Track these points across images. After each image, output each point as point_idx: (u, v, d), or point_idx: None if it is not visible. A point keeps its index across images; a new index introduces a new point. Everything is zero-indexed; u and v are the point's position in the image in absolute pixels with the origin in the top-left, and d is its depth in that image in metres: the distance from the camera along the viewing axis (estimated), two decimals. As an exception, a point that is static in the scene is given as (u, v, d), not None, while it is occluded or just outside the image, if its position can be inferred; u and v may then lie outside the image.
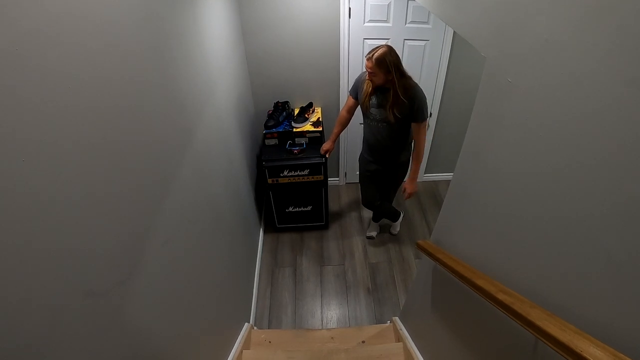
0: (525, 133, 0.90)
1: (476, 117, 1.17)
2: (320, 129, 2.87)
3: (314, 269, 2.93)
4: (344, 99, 3.00)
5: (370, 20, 2.71)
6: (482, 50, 1.05)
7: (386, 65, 2.01)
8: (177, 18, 1.32)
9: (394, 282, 2.81)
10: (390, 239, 3.16)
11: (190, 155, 1.40)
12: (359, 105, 2.40)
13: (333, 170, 3.55)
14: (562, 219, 0.79)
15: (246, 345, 2.13)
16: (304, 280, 2.84)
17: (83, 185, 0.74)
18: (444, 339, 1.57)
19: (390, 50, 2.02)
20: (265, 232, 3.24)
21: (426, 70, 2.94)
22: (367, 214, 3.33)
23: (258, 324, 2.55)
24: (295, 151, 2.77)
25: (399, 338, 2.15)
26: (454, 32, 2.67)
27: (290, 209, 3.06)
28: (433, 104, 3.12)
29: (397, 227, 3.16)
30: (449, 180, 1.44)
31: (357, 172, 2.93)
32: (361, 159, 2.69)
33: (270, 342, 2.27)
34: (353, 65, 2.89)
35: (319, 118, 2.96)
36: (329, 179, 3.05)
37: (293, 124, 2.88)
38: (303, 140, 2.86)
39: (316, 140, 2.86)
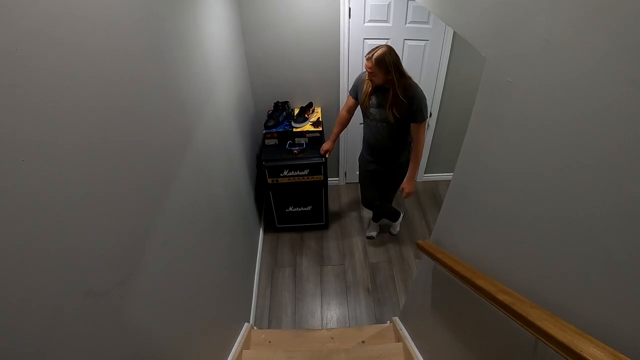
0: (525, 133, 0.90)
1: (476, 117, 1.17)
2: (320, 129, 2.87)
3: (314, 269, 2.93)
4: (344, 99, 3.00)
5: (370, 20, 2.71)
6: (482, 50, 1.05)
7: (386, 65, 2.01)
8: (177, 18, 1.32)
9: (394, 282, 2.81)
10: (390, 239, 3.16)
11: (190, 155, 1.39)
12: (359, 105, 2.40)
13: (333, 170, 3.55)
14: (562, 219, 0.79)
15: (246, 345, 2.13)
16: (304, 280, 2.84)
17: (83, 185, 0.74)
18: (444, 339, 1.57)
19: (389, 50, 2.02)
20: (265, 232, 3.24)
21: (426, 70, 2.94)
22: (367, 214, 3.33)
23: (258, 323, 2.55)
24: (295, 151, 2.77)
25: (398, 338, 2.15)
26: (454, 32, 2.67)
27: (290, 208, 3.06)
28: (433, 104, 3.12)
29: (397, 227, 3.16)
30: (449, 180, 1.44)
31: (357, 172, 2.93)
32: (361, 159, 2.69)
33: (270, 342, 2.27)
34: (353, 65, 2.89)
35: (318, 118, 2.96)
36: (328, 179, 3.05)
37: (293, 124, 2.88)
38: (303, 140, 2.86)
39: (316, 140, 2.86)
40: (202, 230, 1.54)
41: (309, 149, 2.80)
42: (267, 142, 2.88)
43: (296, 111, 3.01)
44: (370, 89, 2.22)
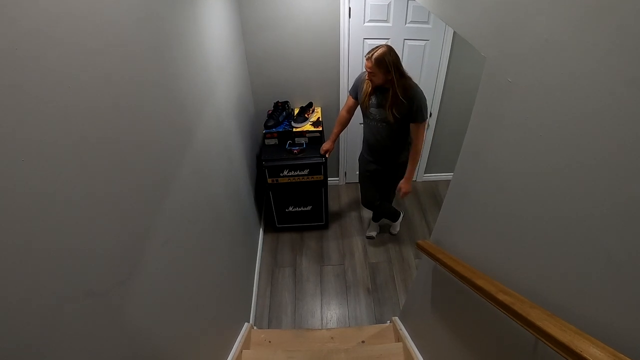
0: (525, 133, 0.90)
1: (476, 117, 1.17)
2: (320, 128, 2.87)
3: (314, 268, 2.93)
4: (344, 99, 3.00)
5: (370, 20, 2.71)
6: (482, 50, 1.05)
7: (385, 65, 2.01)
8: (177, 18, 1.32)
9: (393, 282, 2.81)
10: (390, 239, 3.16)
11: (190, 155, 1.39)
12: (359, 105, 2.40)
13: (333, 170, 3.55)
14: (562, 219, 0.79)
15: (246, 345, 2.13)
16: (304, 280, 2.84)
17: (83, 185, 0.74)
18: (444, 339, 1.57)
19: (389, 50, 2.02)
20: (265, 232, 3.24)
21: (426, 70, 2.94)
22: (367, 214, 3.33)
23: (258, 323, 2.55)
24: (295, 151, 2.77)
25: (398, 338, 2.15)
26: (454, 32, 2.67)
27: (290, 208, 3.06)
28: (433, 104, 3.12)
29: (397, 227, 3.16)
30: (449, 180, 1.44)
31: (357, 172, 2.93)
32: (361, 159, 2.69)
33: (270, 342, 2.27)
34: (353, 65, 2.89)
35: (318, 118, 2.96)
36: (328, 179, 3.05)
37: (293, 123, 2.88)
38: (303, 140, 2.86)
39: (316, 140, 2.86)
40: (202, 230, 1.54)
41: (309, 149, 2.80)
42: (267, 142, 2.88)
43: (296, 111, 3.01)
44: (370, 89, 2.22)
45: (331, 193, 3.51)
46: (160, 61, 1.15)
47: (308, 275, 2.88)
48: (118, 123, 0.88)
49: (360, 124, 2.69)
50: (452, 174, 1.43)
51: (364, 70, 2.18)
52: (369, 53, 2.04)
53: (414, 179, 3.67)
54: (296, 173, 2.79)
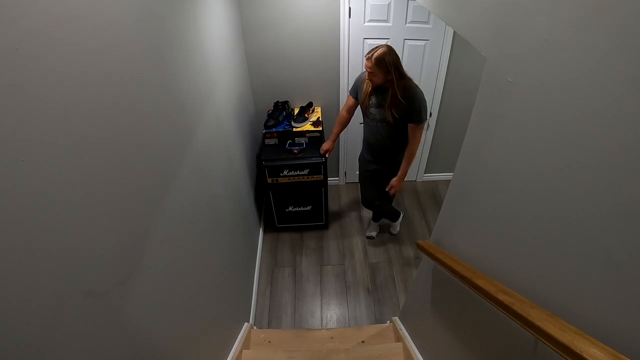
0: (525, 133, 0.90)
1: (476, 117, 1.17)
2: (320, 128, 2.87)
3: (314, 268, 2.93)
4: (344, 98, 3.00)
5: (370, 20, 2.71)
6: (482, 50, 1.05)
7: (385, 65, 2.01)
8: (177, 18, 1.32)
9: (393, 282, 2.81)
10: (390, 239, 3.16)
11: (190, 155, 1.39)
12: (359, 105, 2.40)
13: (333, 169, 3.55)
14: (562, 219, 0.79)
15: (246, 345, 2.13)
16: (304, 280, 2.84)
17: (83, 185, 0.74)
18: (444, 339, 1.57)
19: (389, 50, 2.02)
20: (265, 231, 3.24)
21: (426, 70, 2.94)
22: (367, 213, 3.33)
23: (258, 323, 2.55)
24: (295, 151, 2.77)
25: (398, 338, 2.15)
26: (454, 32, 2.67)
27: (290, 208, 3.06)
28: (433, 104, 3.12)
29: (397, 227, 3.16)
30: (449, 180, 1.44)
31: (357, 172, 2.93)
32: (361, 159, 2.69)
33: (269, 342, 2.27)
34: (353, 65, 2.89)
35: (318, 118, 2.96)
36: (328, 179, 3.05)
37: (293, 123, 2.88)
38: (303, 140, 2.86)
39: (316, 140, 2.86)
40: (202, 230, 1.54)
41: (309, 149, 2.80)
42: (267, 141, 2.88)
43: (296, 111, 3.01)
44: (370, 88, 2.22)
45: (331, 193, 3.51)
46: (160, 61, 1.15)
47: (308, 275, 2.88)
48: (118, 123, 0.88)
49: (360, 123, 2.69)
50: (452, 174, 1.43)
51: (364, 70, 2.18)
52: (369, 53, 2.04)
53: (413, 179, 3.70)
54: (296, 173, 2.79)
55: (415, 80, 2.17)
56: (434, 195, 3.57)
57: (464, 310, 1.38)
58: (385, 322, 2.49)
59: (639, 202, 0.60)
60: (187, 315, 1.35)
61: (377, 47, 2.03)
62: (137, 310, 0.96)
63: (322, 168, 2.77)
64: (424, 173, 3.67)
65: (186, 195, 1.33)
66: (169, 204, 1.17)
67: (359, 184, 3.03)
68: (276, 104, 2.95)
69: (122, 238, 0.90)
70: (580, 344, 0.69)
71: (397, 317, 2.32)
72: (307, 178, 2.83)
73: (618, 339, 0.67)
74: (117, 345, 0.89)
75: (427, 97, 2.58)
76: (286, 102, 3.01)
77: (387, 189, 2.53)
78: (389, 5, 2.63)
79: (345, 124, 2.59)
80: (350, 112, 2.52)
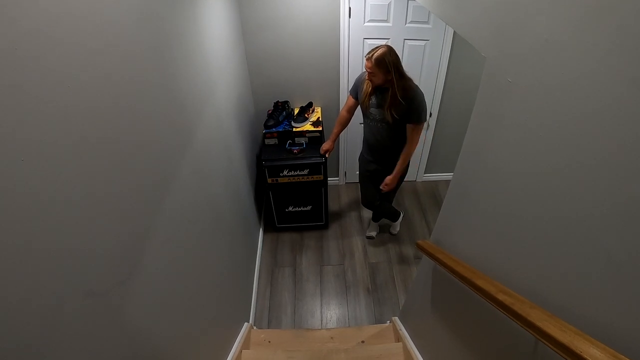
0: (525, 133, 0.90)
1: (476, 117, 1.17)
2: (320, 128, 2.87)
3: (314, 268, 2.93)
4: (344, 98, 3.00)
5: (371, 20, 2.71)
6: (482, 50, 1.05)
7: (385, 66, 2.01)
8: (177, 18, 1.32)
9: (393, 282, 2.81)
10: (390, 239, 3.16)
11: (190, 155, 1.39)
12: (359, 105, 2.40)
13: (333, 170, 3.55)
14: (562, 219, 0.79)
15: (246, 345, 2.13)
16: (304, 280, 2.84)
17: (83, 185, 0.74)
18: (444, 339, 1.57)
19: (389, 51, 2.02)
20: (265, 231, 3.24)
21: (426, 70, 2.94)
22: (367, 213, 3.33)
23: (257, 323, 2.55)
24: (295, 151, 2.77)
25: (398, 338, 2.15)
26: (454, 32, 2.67)
27: (290, 208, 3.06)
28: (433, 104, 3.13)
29: (397, 227, 3.16)
30: (449, 180, 1.44)
31: (357, 172, 2.93)
32: (361, 159, 2.69)
33: (269, 342, 2.27)
34: (353, 65, 2.89)
35: (318, 118, 2.96)
36: (328, 179, 3.05)
37: (293, 123, 2.88)
38: (303, 140, 2.86)
39: (316, 140, 2.86)
40: (202, 230, 1.54)
41: (309, 149, 2.80)
42: (267, 141, 2.88)
43: (296, 111, 3.02)
44: (370, 89, 2.22)
45: (331, 193, 3.51)
46: (160, 61, 1.15)
47: (308, 275, 2.88)
48: (118, 123, 0.88)
49: (360, 123, 2.69)
50: (452, 174, 1.43)
51: (364, 70, 2.18)
52: (369, 53, 2.04)
53: (413, 179, 3.70)
54: (296, 173, 2.79)
55: (415, 81, 2.17)
56: (434, 195, 3.57)
57: (464, 311, 1.38)
58: (385, 322, 2.49)
59: (639, 202, 0.60)
60: (187, 315, 1.35)
61: (377, 47, 2.03)
62: (137, 310, 0.96)
63: (322, 168, 2.77)
64: (424, 173, 3.67)
65: (186, 195, 1.33)
66: (169, 204, 1.17)
67: (359, 184, 3.03)
68: (276, 104, 2.95)
69: (122, 238, 0.90)
70: (580, 344, 0.69)
71: (397, 317, 2.32)
72: (307, 178, 2.83)
73: (618, 339, 0.67)
74: (117, 345, 0.89)
75: (427, 97, 2.58)
76: (286, 102, 3.01)
77: (380, 187, 2.52)
78: (389, 5, 2.63)
79: (345, 124, 2.59)
80: (350, 112, 2.52)
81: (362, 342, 2.25)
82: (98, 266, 0.80)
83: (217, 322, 1.76)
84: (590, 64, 0.68)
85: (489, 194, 1.12)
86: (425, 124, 2.28)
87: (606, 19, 0.63)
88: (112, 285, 0.85)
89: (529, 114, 0.88)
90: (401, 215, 3.08)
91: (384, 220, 3.17)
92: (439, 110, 3.18)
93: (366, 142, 2.54)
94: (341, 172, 3.63)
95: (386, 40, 2.75)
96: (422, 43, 2.82)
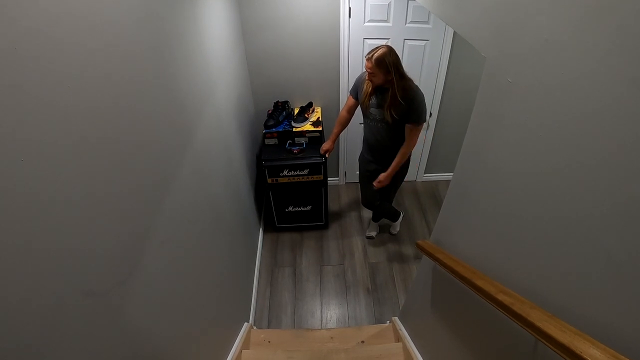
0: (525, 133, 0.90)
1: (476, 117, 1.17)
2: (320, 128, 2.87)
3: (314, 268, 2.93)
4: (344, 99, 3.00)
5: (371, 20, 2.71)
6: (482, 50, 1.05)
7: (386, 66, 2.01)
8: (177, 18, 1.32)
9: (393, 282, 2.81)
10: (390, 239, 3.16)
11: (190, 155, 1.39)
12: (359, 105, 2.40)
13: (333, 170, 3.55)
14: (562, 219, 0.79)
15: (245, 345, 2.13)
16: (304, 280, 2.84)
17: (83, 185, 0.74)
18: (444, 339, 1.57)
19: (390, 51, 2.02)
20: (265, 231, 3.24)
21: (426, 70, 2.94)
22: (367, 213, 3.33)
23: (257, 323, 2.55)
24: (295, 151, 2.77)
25: (398, 338, 2.15)
26: (454, 32, 2.67)
27: (290, 208, 3.06)
28: (433, 104, 3.13)
29: (396, 227, 3.16)
30: (449, 180, 1.44)
31: (357, 172, 2.93)
32: (361, 159, 2.69)
33: (269, 342, 2.27)
34: (353, 65, 2.89)
35: (318, 118, 2.96)
36: (328, 179, 3.05)
37: (293, 123, 2.88)
38: (303, 140, 2.86)
39: (316, 140, 2.86)
40: (202, 230, 1.54)
41: (309, 149, 2.80)
42: (267, 141, 2.88)
43: (296, 111, 3.02)
44: (370, 89, 2.22)
45: (331, 193, 3.51)
46: (160, 61, 1.15)
47: (308, 275, 2.88)
48: (118, 123, 0.88)
49: (360, 123, 2.69)
50: (452, 174, 1.43)
51: (364, 70, 2.18)
52: (369, 53, 2.04)
53: (413, 179, 3.70)
54: (296, 173, 2.79)
55: (416, 81, 2.17)
56: (434, 195, 3.57)
57: (464, 311, 1.38)
58: (385, 322, 2.49)
59: (639, 202, 0.60)
60: (187, 315, 1.35)
61: (377, 47, 2.03)
62: (137, 310, 0.96)
63: (322, 168, 2.77)
64: (424, 173, 3.67)
65: (186, 195, 1.33)
66: (169, 204, 1.16)
67: (359, 184, 3.03)
68: (276, 104, 2.95)
69: (122, 238, 0.90)
70: (580, 345, 0.69)
71: (397, 317, 2.32)
72: (307, 178, 2.83)
73: (618, 339, 0.67)
74: (117, 345, 0.89)
75: (427, 97, 2.58)
76: (286, 102, 3.01)
77: (374, 183, 2.52)
78: (389, 5, 2.63)
79: (345, 124, 2.59)
80: (351, 112, 2.52)
81: (362, 342, 2.25)
82: (98, 266, 0.80)
83: (217, 322, 1.76)
84: (590, 64, 0.68)
85: (489, 194, 1.12)
86: (425, 124, 2.28)
87: (606, 19, 0.63)
88: (112, 285, 0.85)
89: (529, 114, 0.88)
90: (401, 215, 3.08)
91: (384, 220, 3.17)
92: (439, 110, 3.18)
93: (366, 142, 2.54)
94: (341, 172, 3.63)
95: (386, 40, 2.75)
96: (422, 43, 2.82)
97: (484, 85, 1.09)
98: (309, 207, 3.07)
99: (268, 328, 2.53)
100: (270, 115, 2.92)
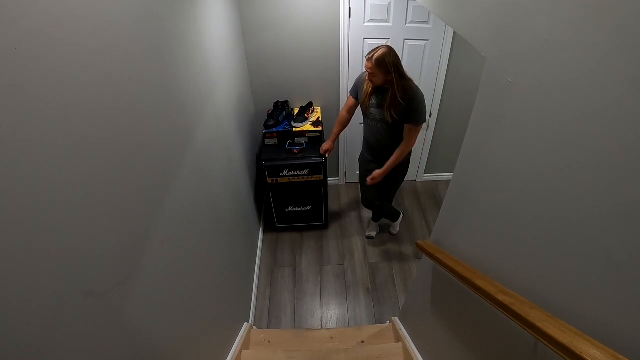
0: (525, 133, 0.90)
1: (476, 117, 1.17)
2: (320, 128, 2.87)
3: (314, 268, 2.93)
4: (344, 99, 3.00)
5: (371, 20, 2.71)
6: (482, 50, 1.05)
7: (386, 66, 2.01)
8: (177, 18, 1.32)
9: (393, 282, 2.81)
10: (390, 239, 3.16)
11: (190, 155, 1.39)
12: (359, 105, 2.40)
13: (333, 169, 3.55)
14: (562, 219, 0.79)
15: (245, 345, 2.13)
16: (304, 280, 2.84)
17: (83, 185, 0.74)
18: (444, 339, 1.57)
19: (390, 51, 2.02)
20: (265, 231, 3.24)
21: (426, 70, 2.94)
22: (367, 213, 3.33)
23: (257, 323, 2.55)
24: (295, 151, 2.77)
25: (398, 338, 2.15)
26: (454, 32, 2.67)
27: (290, 208, 3.06)
28: (433, 104, 3.13)
29: (396, 227, 3.16)
30: (449, 180, 1.44)
31: (357, 172, 2.93)
32: (361, 159, 2.69)
33: (269, 342, 2.27)
34: (353, 65, 2.89)
35: (318, 118, 2.96)
36: (328, 179, 3.05)
37: (293, 123, 2.88)
38: (303, 140, 2.86)
39: (316, 140, 2.86)
40: (202, 230, 1.54)
41: (309, 149, 2.80)
42: (267, 141, 2.88)
43: (296, 111, 3.01)
44: (370, 89, 2.22)
45: (331, 193, 3.51)
46: (160, 61, 1.15)
47: (308, 275, 2.88)
48: (118, 123, 0.88)
49: (360, 123, 2.69)
50: (452, 174, 1.43)
51: (364, 70, 2.18)
52: (369, 54, 2.04)
53: (413, 179, 3.70)
54: (296, 173, 2.79)
55: (416, 81, 2.17)
56: (434, 195, 3.57)
57: (464, 311, 1.38)
58: (385, 322, 2.49)
59: (639, 202, 0.60)
60: (187, 315, 1.35)
61: (377, 47, 2.03)
62: (137, 310, 0.96)
63: (322, 168, 2.77)
64: (424, 173, 3.67)
65: (186, 195, 1.33)
66: (169, 204, 1.16)
67: (359, 184, 3.03)
68: (276, 104, 2.95)
69: (122, 238, 0.90)
70: (580, 345, 0.69)
71: (396, 317, 2.32)
72: (307, 178, 2.83)
73: (618, 339, 0.67)
74: (117, 345, 0.89)
75: (427, 97, 2.58)
76: (286, 102, 3.01)
77: (368, 179, 2.51)
78: (389, 5, 2.63)
79: (345, 124, 2.59)
80: (351, 112, 2.52)
81: (362, 342, 2.25)
82: (98, 266, 0.80)
83: (217, 322, 1.76)
84: (590, 64, 0.68)
85: (489, 194, 1.12)
86: (425, 124, 2.28)
87: (606, 19, 0.63)
88: (112, 285, 0.85)
89: (529, 114, 0.88)
90: (401, 215, 3.08)
91: (384, 220, 3.17)
92: (439, 110, 3.18)
93: (366, 142, 2.54)
94: (341, 172, 3.63)
95: (386, 40, 2.75)
96: (422, 43, 2.82)
97: (484, 85, 1.09)
98: (309, 207, 3.07)
99: (268, 328, 2.53)
100: (270, 115, 2.92)
